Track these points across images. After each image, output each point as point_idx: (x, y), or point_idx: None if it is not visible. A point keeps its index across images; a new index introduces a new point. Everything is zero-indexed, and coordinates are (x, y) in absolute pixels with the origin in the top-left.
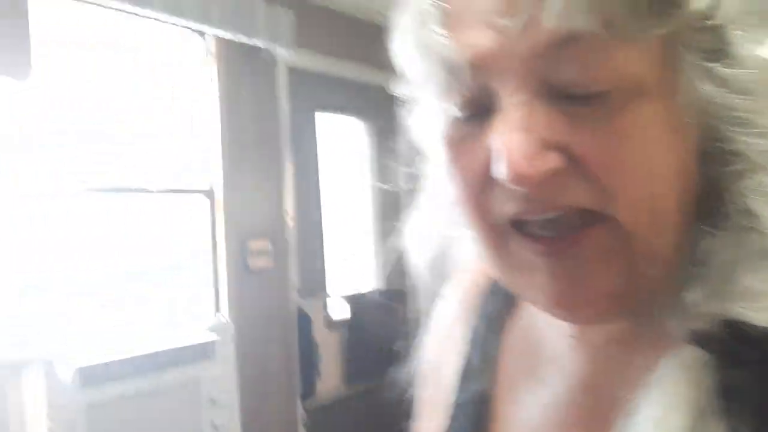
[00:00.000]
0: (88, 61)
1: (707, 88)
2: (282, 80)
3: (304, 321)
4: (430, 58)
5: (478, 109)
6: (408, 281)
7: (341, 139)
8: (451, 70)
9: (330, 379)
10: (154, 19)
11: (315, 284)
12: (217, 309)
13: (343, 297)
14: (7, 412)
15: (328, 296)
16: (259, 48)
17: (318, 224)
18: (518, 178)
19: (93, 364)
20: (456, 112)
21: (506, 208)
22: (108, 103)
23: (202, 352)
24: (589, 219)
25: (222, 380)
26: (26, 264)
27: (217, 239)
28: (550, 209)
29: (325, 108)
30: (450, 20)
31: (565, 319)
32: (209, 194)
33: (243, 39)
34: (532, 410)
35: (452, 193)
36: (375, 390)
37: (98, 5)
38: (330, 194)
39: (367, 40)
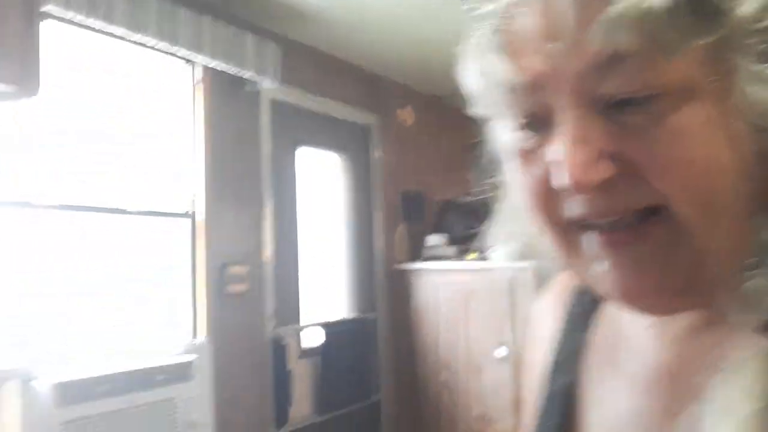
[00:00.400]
0: (77, 82)
1: (759, 90)
2: (265, 112)
3: (278, 348)
4: (493, 83)
5: (540, 124)
6: (378, 310)
7: (318, 171)
8: (511, 91)
9: (301, 407)
10: (148, 45)
11: (289, 312)
12: (195, 331)
13: (315, 325)
14: None
15: (302, 324)
16: (245, 79)
17: (294, 253)
18: (576, 187)
19: (70, 380)
20: (520, 127)
21: (569, 212)
22: (96, 124)
23: (179, 374)
24: (649, 213)
25: (198, 402)
26: (3, 279)
27: (197, 262)
28: (610, 213)
29: (304, 141)
30: (507, 48)
31: (632, 310)
32: (191, 218)
33: (232, 69)
34: (614, 397)
35: (523, 198)
36: (344, 417)
37: (95, 29)
38: (306, 224)
39: (346, 78)
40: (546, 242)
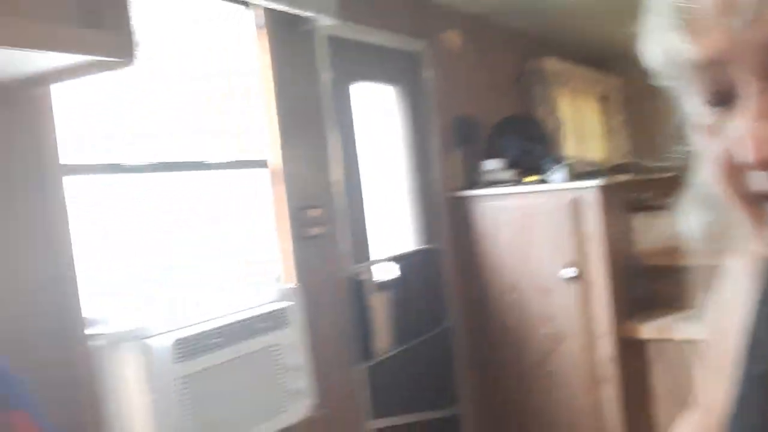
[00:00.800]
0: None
1: None
2: (321, 50)
3: (356, 285)
4: (675, 60)
5: (724, 99)
6: (443, 240)
7: (373, 104)
8: (693, 68)
9: (381, 340)
10: None
11: (362, 249)
12: (283, 278)
13: (386, 260)
14: (108, 385)
15: (374, 259)
16: (300, 19)
17: (359, 190)
18: (759, 163)
19: (185, 336)
20: (704, 102)
21: (756, 186)
22: (162, 81)
23: (278, 320)
24: None
25: (295, 346)
26: (119, 239)
27: (278, 209)
28: None
29: (358, 75)
30: (687, 25)
31: None
32: (268, 165)
33: (294, 10)
34: None
35: (710, 171)
36: (420, 346)
37: None
38: (367, 159)
39: (393, 5)
40: (735, 214)
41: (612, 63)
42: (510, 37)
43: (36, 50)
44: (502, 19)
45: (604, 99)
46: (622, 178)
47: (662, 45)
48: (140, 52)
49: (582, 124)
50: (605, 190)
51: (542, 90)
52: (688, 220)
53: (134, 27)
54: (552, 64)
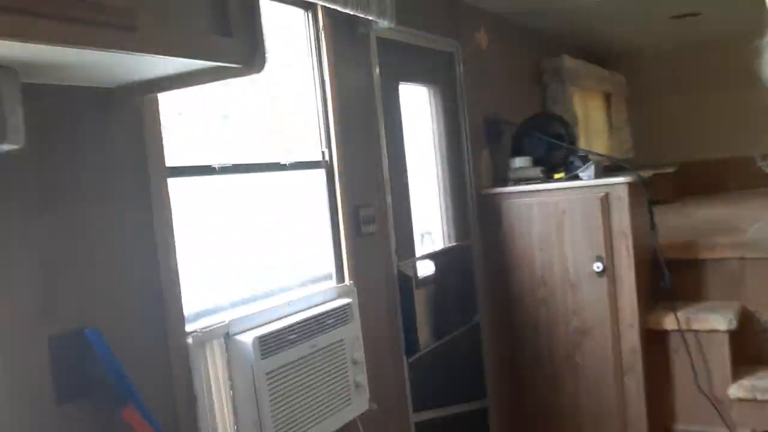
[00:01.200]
0: None
1: None
2: (374, 52)
3: (404, 282)
4: None
5: None
6: (474, 237)
7: (412, 104)
8: None
9: (422, 334)
10: None
11: (407, 246)
12: (341, 275)
13: (423, 256)
14: (199, 380)
15: (417, 256)
16: (359, 22)
17: (406, 188)
18: None
19: (267, 333)
20: None
21: None
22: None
23: (343, 316)
24: None
25: (357, 341)
26: (200, 241)
27: (337, 209)
28: None
29: (404, 76)
30: None
31: None
32: (327, 165)
33: (358, 13)
34: None
35: None
36: (453, 340)
37: None
38: (410, 159)
39: (433, 8)
40: None
41: (616, 61)
42: (527, 36)
43: (170, 57)
44: (521, 19)
45: (608, 96)
46: (647, 174)
47: None
48: (268, 59)
49: (588, 121)
50: (632, 186)
51: (559, 87)
52: None
53: (263, 35)
54: (568, 62)
